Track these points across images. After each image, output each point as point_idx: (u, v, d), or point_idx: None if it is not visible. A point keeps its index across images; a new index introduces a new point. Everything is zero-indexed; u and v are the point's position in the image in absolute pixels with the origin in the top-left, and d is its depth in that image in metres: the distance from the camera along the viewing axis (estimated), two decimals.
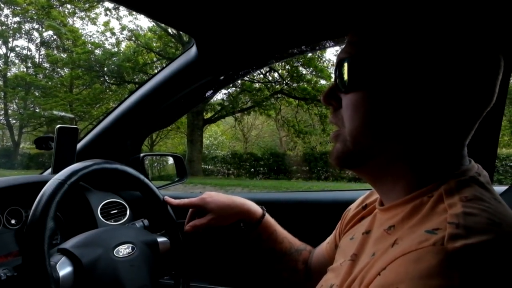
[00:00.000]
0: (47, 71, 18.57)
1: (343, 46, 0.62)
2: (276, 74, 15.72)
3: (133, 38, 16.85)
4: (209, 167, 16.90)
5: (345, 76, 0.58)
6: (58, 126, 1.21)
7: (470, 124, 0.55)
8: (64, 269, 0.76)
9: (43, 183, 0.80)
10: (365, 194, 0.82)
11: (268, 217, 1.00)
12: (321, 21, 0.96)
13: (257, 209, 1.00)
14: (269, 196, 1.50)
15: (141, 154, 1.48)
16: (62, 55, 18.08)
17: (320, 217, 1.23)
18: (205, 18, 0.93)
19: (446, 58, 0.51)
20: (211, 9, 0.87)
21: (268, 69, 15.29)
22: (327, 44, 1.11)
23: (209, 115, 16.76)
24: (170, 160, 1.64)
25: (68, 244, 0.81)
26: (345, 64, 0.58)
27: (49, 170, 1.29)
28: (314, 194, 1.40)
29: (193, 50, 1.12)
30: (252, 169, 15.69)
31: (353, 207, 0.83)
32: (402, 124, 0.54)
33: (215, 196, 1.00)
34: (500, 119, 1.01)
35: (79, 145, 1.36)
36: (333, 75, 0.62)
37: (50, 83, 17.77)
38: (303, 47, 1.13)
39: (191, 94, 1.26)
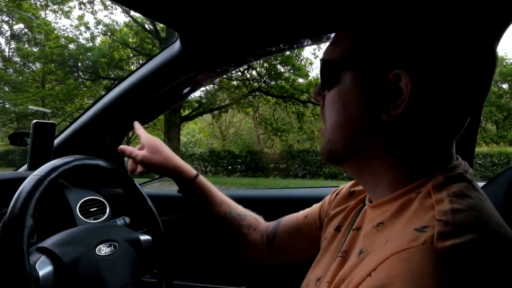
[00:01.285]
0: (17, 65, 17.87)
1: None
2: (254, 72, 15.71)
3: (109, 33, 16.48)
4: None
5: (322, 75, 0.60)
6: (34, 121, 1.17)
7: (461, 120, 0.54)
8: (44, 269, 0.73)
9: (18, 180, 0.77)
10: (353, 181, 0.80)
11: (202, 179, 0.98)
12: (302, 20, 0.96)
13: (190, 169, 0.98)
14: (245, 192, 1.49)
15: None
16: (33, 49, 17.45)
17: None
18: (190, 12, 0.92)
19: (426, 55, 0.50)
20: (195, 3, 0.86)
21: (246, 67, 15.30)
22: (306, 42, 1.12)
23: (186, 112, 16.58)
24: None
25: (48, 243, 0.78)
26: (322, 63, 0.59)
27: (25, 167, 1.25)
28: (290, 191, 1.40)
29: (177, 45, 1.10)
30: (230, 167, 15.64)
31: (342, 191, 0.82)
32: (377, 123, 0.54)
33: (160, 145, 0.98)
34: (479, 117, 1.04)
35: (56, 141, 1.32)
36: (310, 74, 0.63)
37: (20, 78, 17.10)
38: (281, 45, 1.13)
39: (174, 89, 1.25)
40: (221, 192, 1.00)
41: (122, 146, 0.97)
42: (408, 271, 0.40)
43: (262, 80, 15.73)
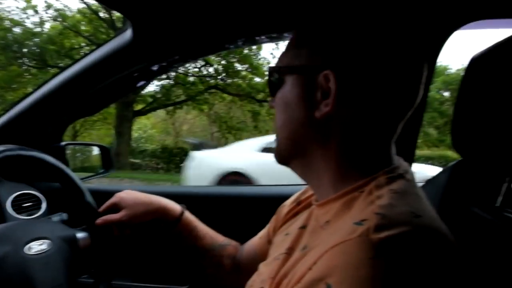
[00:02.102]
0: None
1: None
2: (211, 69, 15.63)
3: (59, 19, 15.62)
4: (137, 161, 16.30)
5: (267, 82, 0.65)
6: None
7: (393, 123, 0.58)
8: None
9: None
10: (300, 191, 0.83)
11: (187, 214, 0.98)
12: (260, 16, 0.96)
13: (175, 207, 0.98)
14: (201, 190, 1.46)
15: (63, 143, 1.36)
16: None
17: (252, 212, 1.23)
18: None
19: (355, 58, 0.54)
20: None
21: (203, 63, 15.17)
22: (265, 39, 1.12)
23: (139, 106, 16.15)
24: (95, 151, 1.54)
25: None
26: (268, 70, 0.64)
27: None
28: (247, 189, 1.39)
29: (128, 34, 1.05)
30: (182, 164, 15.45)
31: (287, 203, 0.85)
32: (313, 122, 0.58)
33: (132, 193, 0.98)
34: (420, 121, 1.09)
35: None
36: (267, 73, 0.67)
37: None
38: (239, 41, 1.12)
39: (124, 80, 1.19)
40: (203, 224, 1.00)
41: (100, 220, 0.93)
42: (345, 262, 0.42)
43: (219, 77, 15.70)
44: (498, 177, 0.77)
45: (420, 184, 1.04)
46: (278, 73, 0.62)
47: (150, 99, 16.49)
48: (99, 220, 0.93)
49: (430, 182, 0.92)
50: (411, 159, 1.08)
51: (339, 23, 0.57)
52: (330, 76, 0.54)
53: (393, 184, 0.53)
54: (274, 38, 1.09)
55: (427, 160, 12.95)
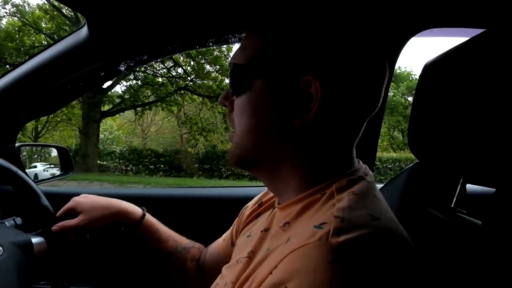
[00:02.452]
0: None
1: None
2: (180, 70, 15.45)
3: (18, 15, 14.94)
4: (104, 163, 15.87)
5: (232, 81, 0.60)
6: None
7: (358, 126, 0.58)
8: None
9: None
10: (262, 192, 0.83)
11: (149, 217, 0.96)
12: (220, 15, 0.95)
13: (136, 210, 0.96)
14: (163, 192, 1.44)
15: (17, 144, 1.30)
16: None
17: (217, 214, 1.22)
18: None
19: (334, 63, 0.53)
20: None
21: (172, 64, 14.97)
22: (229, 39, 1.11)
23: (106, 107, 15.72)
24: (54, 152, 1.48)
25: None
26: (231, 69, 0.60)
27: None
28: (211, 190, 1.38)
29: (84, 31, 1.02)
30: (152, 166, 15.18)
31: (250, 205, 0.84)
32: (286, 128, 0.56)
33: (90, 197, 0.95)
34: (380, 124, 1.12)
35: None
36: None
37: None
38: (203, 40, 1.11)
39: (81, 79, 1.15)
40: (165, 227, 0.97)
41: (55, 227, 0.89)
42: (304, 266, 0.42)
43: (189, 78, 15.54)
44: (453, 179, 0.79)
45: (380, 186, 1.08)
46: (246, 72, 0.58)
47: (117, 100, 16.08)
48: (55, 227, 0.89)
49: (390, 183, 0.95)
50: (372, 161, 1.10)
51: (315, 27, 0.55)
52: (313, 82, 0.53)
53: (353, 186, 0.53)
54: (231, 40, 1.09)
55: (395, 161, 13.67)
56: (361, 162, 0.62)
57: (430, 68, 0.72)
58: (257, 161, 0.61)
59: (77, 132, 20.07)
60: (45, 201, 0.92)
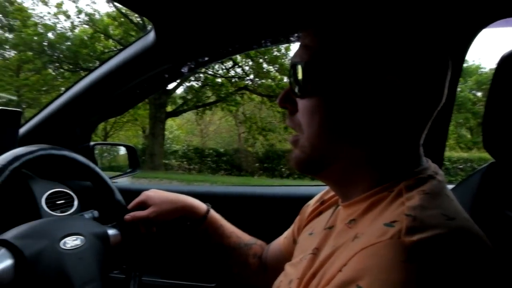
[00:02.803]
0: None
1: (296, 49, 0.61)
2: (239, 70, 15.67)
3: (90, 23, 16.07)
4: (168, 161, 16.55)
5: (300, 81, 0.57)
6: None
7: (423, 123, 0.57)
8: (3, 262, 0.69)
9: None
10: (324, 190, 0.83)
11: (213, 212, 1.00)
12: (282, 15, 0.95)
13: (201, 205, 1.00)
14: (227, 190, 1.47)
15: (91, 143, 1.41)
16: (6, 35, 16.72)
17: (278, 212, 1.23)
18: (166, 2, 0.89)
19: (398, 62, 0.52)
20: None
21: (231, 64, 15.24)
22: (291, 38, 1.11)
23: (169, 108, 16.39)
24: (122, 151, 1.58)
25: (9, 235, 0.74)
26: (300, 69, 0.57)
27: None
28: (273, 189, 1.39)
29: (151, 36, 1.07)
30: (214, 165, 15.54)
31: (311, 203, 0.84)
32: (360, 128, 0.55)
33: (159, 192, 1.00)
34: (448, 122, 1.05)
35: (22, 130, 1.28)
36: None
37: None
38: (263, 40, 1.12)
39: (148, 81, 1.22)
40: (228, 223, 1.01)
41: (128, 216, 0.96)
42: (376, 264, 0.41)
43: (249, 78, 15.71)
44: None
45: (451, 187, 1.02)
46: (317, 72, 0.56)
47: (179, 101, 16.68)
48: (127, 216, 0.95)
49: (461, 184, 0.90)
50: (440, 161, 1.05)
51: (368, 26, 0.54)
52: (392, 80, 0.52)
53: (423, 185, 0.52)
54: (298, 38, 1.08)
55: (466, 162, 12.70)
56: (430, 161, 0.60)
57: (507, 61, 0.67)
58: (327, 164, 0.59)
59: (140, 132, 21.18)
60: (119, 196, 0.98)
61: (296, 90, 0.59)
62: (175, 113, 16.98)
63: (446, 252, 0.41)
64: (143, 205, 0.98)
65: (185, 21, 0.98)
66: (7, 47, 16.73)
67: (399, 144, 0.56)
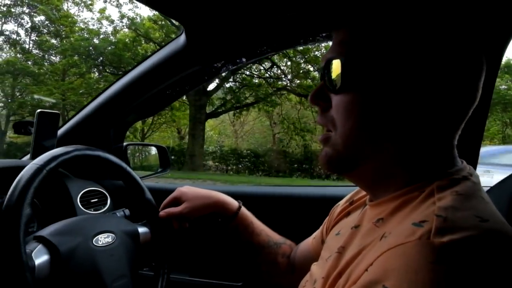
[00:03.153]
0: (36, 57, 17.85)
1: (331, 45, 0.61)
2: (277, 70, 15.65)
3: (132, 27, 16.63)
4: (204, 162, 16.79)
5: (337, 76, 0.57)
6: (38, 110, 1.18)
7: (458, 122, 0.55)
8: (40, 258, 0.73)
9: (21, 168, 0.77)
10: (354, 191, 0.81)
11: (244, 210, 1.01)
12: (313, 14, 0.94)
13: (233, 202, 1.01)
14: (257, 190, 1.47)
15: (124, 143, 1.46)
16: (53, 41, 17.62)
17: (308, 212, 1.22)
18: (196, 5, 0.90)
19: (433, 60, 0.52)
20: None
21: (270, 65, 15.26)
22: (321, 38, 1.09)
23: (206, 109, 16.61)
24: (153, 151, 1.62)
25: (45, 232, 0.78)
26: (337, 64, 0.57)
27: (28, 156, 1.26)
28: (302, 189, 1.38)
29: (182, 38, 1.09)
30: (252, 166, 15.59)
31: (341, 203, 0.83)
32: (394, 126, 0.54)
33: (192, 188, 1.03)
34: (484, 123, 1.00)
35: (60, 131, 1.33)
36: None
37: (41, 70, 17.12)
38: (298, 40, 1.11)
39: (179, 83, 1.24)
40: (259, 221, 1.02)
41: (163, 213, 0.99)
42: (403, 265, 0.40)
43: (287, 78, 15.65)
44: None
45: (486, 189, 0.97)
46: (354, 68, 0.56)
47: (217, 102, 16.86)
48: (162, 213, 0.99)
49: (497, 187, 0.85)
50: (474, 162, 1.00)
51: (404, 24, 0.54)
52: (426, 77, 0.52)
53: (456, 186, 0.50)
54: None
55: None
56: (465, 162, 0.58)
57: None
58: (359, 163, 0.58)
59: (175, 133, 21.66)
60: (149, 195, 1.01)
61: (332, 86, 0.58)
62: (214, 114, 17.17)
63: (478, 254, 0.39)
64: (177, 201, 1.00)
65: (215, 23, 0.99)
66: (54, 52, 17.65)
67: (432, 144, 0.54)
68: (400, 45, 0.53)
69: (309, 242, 0.94)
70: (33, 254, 0.72)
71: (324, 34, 1.08)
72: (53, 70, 17.25)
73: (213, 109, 16.96)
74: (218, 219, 1.00)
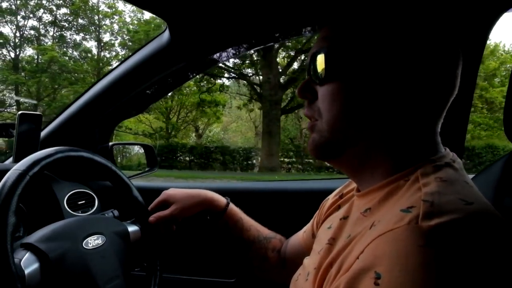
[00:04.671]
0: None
1: (315, 41, 0.64)
2: None
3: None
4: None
5: (321, 69, 0.60)
6: (19, 112, 1.15)
7: (439, 110, 0.58)
8: (30, 266, 0.70)
9: (3, 172, 0.74)
10: (343, 185, 0.83)
11: (232, 206, 1.01)
12: (296, 9, 0.94)
13: (221, 199, 1.01)
14: (246, 185, 1.48)
15: (110, 143, 1.43)
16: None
17: (298, 206, 1.22)
18: (179, 0, 0.89)
19: (410, 49, 0.55)
20: None
21: None
22: (305, 32, 1.10)
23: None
24: (135, 151, 1.59)
25: (33, 238, 0.76)
26: (321, 57, 0.60)
27: (11, 159, 1.22)
28: (291, 184, 1.39)
29: (166, 35, 1.08)
30: (318, 164, 15.09)
31: (330, 197, 0.84)
32: (377, 112, 0.56)
33: (179, 189, 1.02)
34: (468, 110, 1.03)
35: (43, 133, 1.30)
36: None
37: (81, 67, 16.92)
38: (278, 34, 1.11)
39: (165, 80, 1.22)
40: (248, 217, 1.03)
41: (152, 218, 0.97)
42: (394, 250, 0.41)
43: None
44: None
45: (471, 176, 1.00)
46: (337, 59, 0.59)
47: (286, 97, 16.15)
48: (151, 218, 0.96)
49: (482, 173, 0.88)
50: (461, 151, 1.03)
51: (382, 18, 0.58)
52: (404, 67, 0.55)
53: (439, 172, 0.52)
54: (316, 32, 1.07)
55: None
56: (448, 149, 0.60)
57: None
58: (344, 147, 0.60)
59: (192, 133, 21.17)
60: (136, 192, 0.99)
61: (317, 78, 0.62)
62: (288, 110, 16.54)
63: (465, 236, 0.41)
64: (165, 203, 0.99)
65: (199, 19, 0.98)
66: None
67: (414, 130, 0.57)
68: (379, 36, 0.56)
69: (299, 236, 0.95)
70: (22, 263, 0.70)
71: (308, 29, 1.10)
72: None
73: (285, 104, 16.15)
74: (207, 217, 1.00)
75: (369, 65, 0.56)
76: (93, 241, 0.82)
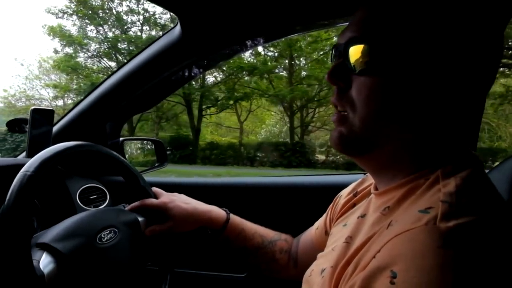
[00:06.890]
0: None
1: (349, 23, 0.59)
2: None
3: None
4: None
5: (360, 57, 0.55)
6: (32, 107, 1.15)
7: (471, 110, 0.55)
8: (47, 266, 0.70)
9: (17, 166, 0.74)
10: (357, 181, 0.81)
11: (233, 219, 0.99)
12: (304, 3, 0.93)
13: (220, 214, 0.99)
14: (257, 180, 1.47)
15: (121, 139, 1.43)
16: None
17: (309, 202, 1.22)
18: None
19: (455, 42, 0.51)
20: None
21: None
22: (324, 24, 1.09)
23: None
24: (139, 145, 1.59)
25: (48, 238, 0.75)
26: (361, 45, 0.55)
27: (24, 154, 1.23)
28: (302, 179, 1.38)
29: (177, 30, 1.07)
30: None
31: (344, 194, 0.83)
32: (414, 112, 0.53)
33: (177, 201, 0.97)
34: (482, 110, 1.02)
35: (55, 128, 1.30)
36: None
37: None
38: (293, 29, 1.10)
39: (175, 75, 1.22)
40: (250, 224, 1.01)
41: (147, 231, 0.93)
42: (411, 250, 0.40)
43: None
44: None
45: (487, 171, 0.99)
46: (389, 51, 0.53)
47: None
48: (147, 232, 0.94)
49: (496, 169, 0.87)
50: (473, 147, 1.02)
51: (429, 10, 0.52)
52: (448, 64, 0.51)
53: (461, 172, 0.50)
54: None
55: None
56: (468, 149, 0.58)
57: None
58: (374, 146, 0.57)
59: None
60: (144, 182, 0.99)
61: (355, 66, 0.56)
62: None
63: (483, 237, 0.40)
64: (161, 211, 0.96)
65: (211, 13, 0.98)
66: None
67: (447, 132, 0.55)
68: (424, 30, 0.52)
69: (311, 233, 0.93)
70: (40, 265, 0.69)
71: (319, 23, 1.09)
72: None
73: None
74: (208, 231, 0.99)
75: (413, 60, 0.52)
76: (106, 235, 0.82)
